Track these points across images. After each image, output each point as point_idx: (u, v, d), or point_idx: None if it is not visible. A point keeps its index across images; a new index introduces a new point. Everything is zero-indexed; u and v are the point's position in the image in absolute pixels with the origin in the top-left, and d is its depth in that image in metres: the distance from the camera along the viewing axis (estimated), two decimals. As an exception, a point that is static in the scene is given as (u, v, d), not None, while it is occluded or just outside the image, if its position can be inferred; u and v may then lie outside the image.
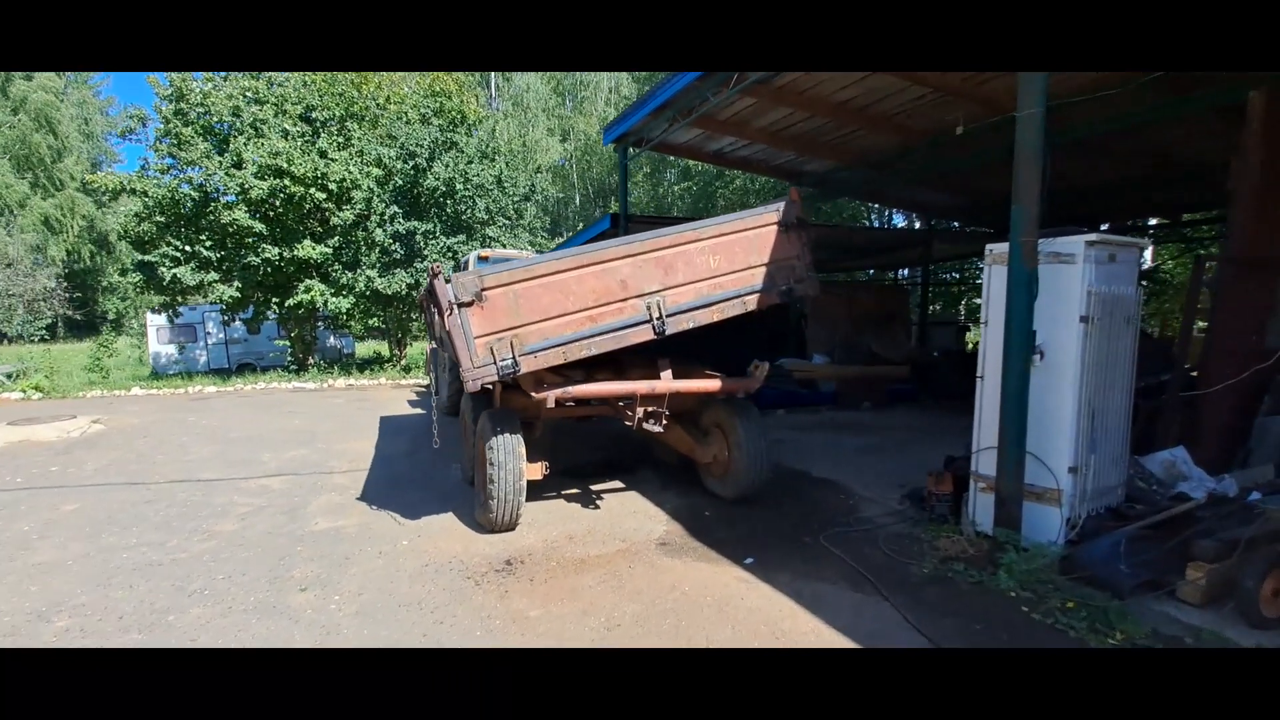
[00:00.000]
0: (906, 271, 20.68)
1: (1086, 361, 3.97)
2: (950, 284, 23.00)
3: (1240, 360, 4.92)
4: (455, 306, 3.99)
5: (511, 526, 4.74)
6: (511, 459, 4.54)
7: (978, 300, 22.23)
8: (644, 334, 4.49)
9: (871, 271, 20.65)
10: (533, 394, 4.49)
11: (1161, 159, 9.62)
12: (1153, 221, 16.84)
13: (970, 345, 15.96)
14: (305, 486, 5.98)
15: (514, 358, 4.15)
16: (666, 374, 5.04)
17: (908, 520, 4.95)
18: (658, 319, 4.47)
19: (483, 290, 4.04)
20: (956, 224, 16.32)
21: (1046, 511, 4.09)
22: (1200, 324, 7.10)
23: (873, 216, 28.61)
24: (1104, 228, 14.68)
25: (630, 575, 4.03)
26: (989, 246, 4.38)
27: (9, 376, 13.85)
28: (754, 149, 11.06)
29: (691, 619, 3.46)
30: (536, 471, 4.96)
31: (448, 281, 4.06)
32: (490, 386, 4.83)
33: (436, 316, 4.15)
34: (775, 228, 4.84)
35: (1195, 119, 7.53)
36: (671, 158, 26.71)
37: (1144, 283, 19.47)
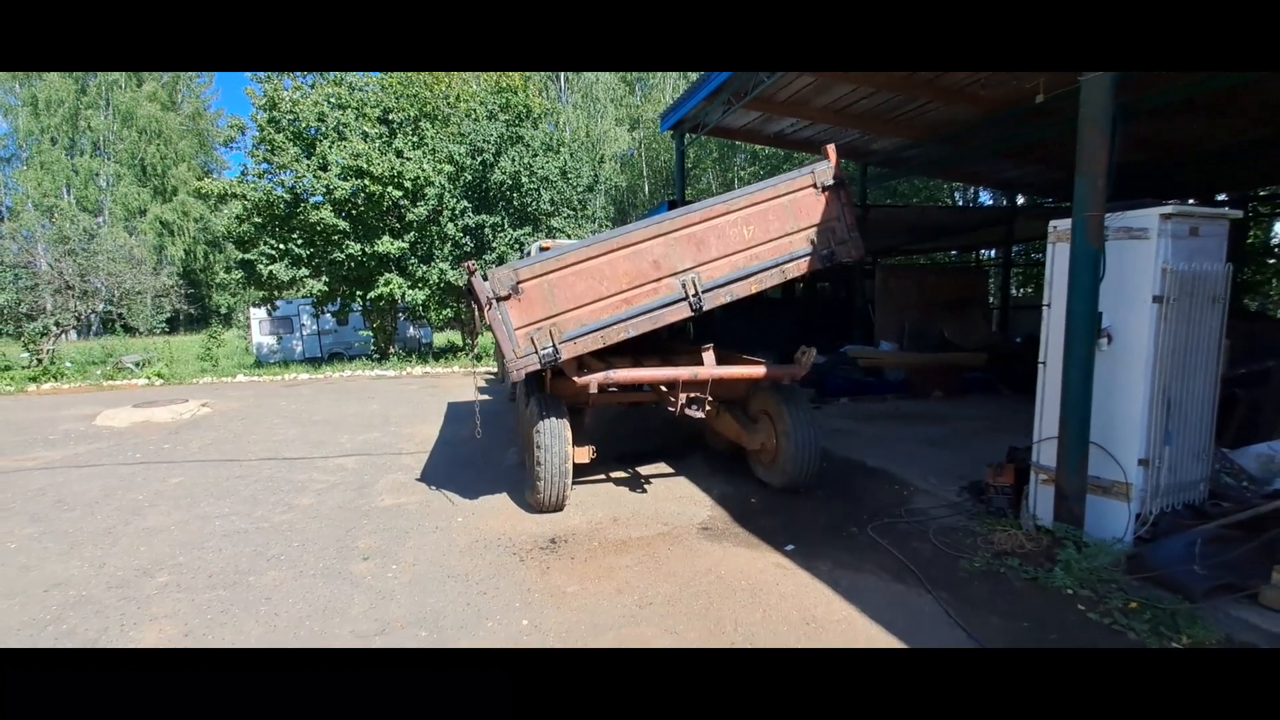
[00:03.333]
0: (993, 252, 19.44)
1: (1161, 346, 3.66)
2: (1040, 264, 21.41)
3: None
4: (494, 301, 4.16)
5: (559, 507, 4.91)
6: (558, 442, 4.70)
7: (1071, 282, 20.67)
8: (681, 312, 4.52)
9: (956, 253, 19.56)
10: (575, 379, 4.61)
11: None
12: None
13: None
14: (375, 466, 6.42)
15: (554, 345, 4.29)
16: (710, 360, 5.04)
17: (963, 513, 4.73)
18: (693, 296, 4.48)
19: (519, 283, 4.19)
20: (1051, 200, 15.17)
21: (1113, 506, 3.82)
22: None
23: (955, 194, 27.02)
24: (1221, 198, 13.24)
25: (668, 557, 4.09)
26: (1052, 223, 4.10)
27: (137, 365, 15.57)
28: (817, 129, 10.73)
29: (723, 601, 3.49)
30: (584, 455, 5.10)
31: (484, 278, 4.23)
32: (544, 373, 5.00)
33: (477, 312, 4.34)
34: (811, 190, 4.73)
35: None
36: (739, 142, 26.24)
37: (1273, 260, 17.41)
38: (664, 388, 5.14)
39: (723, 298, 4.61)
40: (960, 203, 26.30)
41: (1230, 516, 3.57)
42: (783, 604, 3.45)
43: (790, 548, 4.21)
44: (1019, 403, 9.33)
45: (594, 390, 4.67)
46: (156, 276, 17.51)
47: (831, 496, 5.25)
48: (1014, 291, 18.34)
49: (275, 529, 4.66)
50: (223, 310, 36.47)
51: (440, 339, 25.82)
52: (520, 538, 4.46)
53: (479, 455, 6.79)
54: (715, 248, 4.60)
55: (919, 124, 10.15)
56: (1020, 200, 16.05)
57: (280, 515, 4.97)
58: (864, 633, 3.16)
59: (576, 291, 4.37)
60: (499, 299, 4.21)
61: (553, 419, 4.77)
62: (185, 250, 39.76)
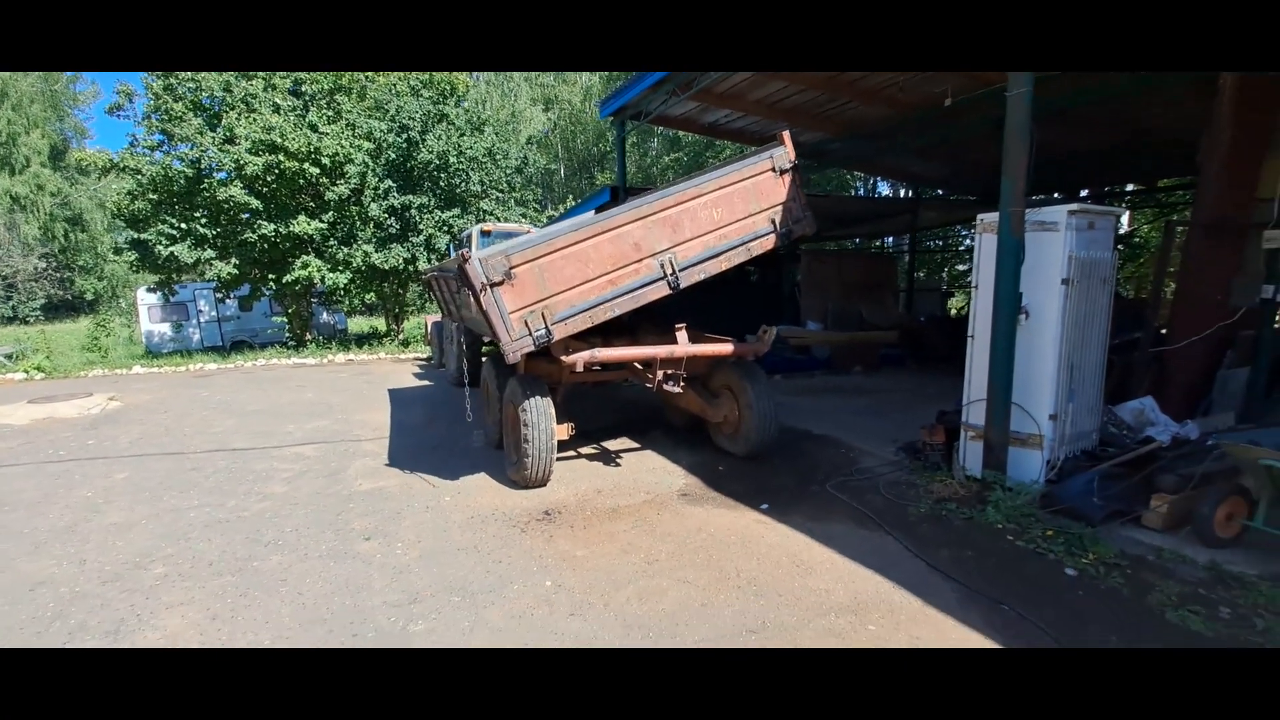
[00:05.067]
0: (892, 240, 21.13)
1: (1067, 320, 4.41)
2: (933, 251, 23.51)
3: (1205, 318, 5.39)
4: (488, 286, 4.29)
5: (544, 482, 5.13)
6: (544, 419, 4.92)
7: (960, 267, 22.86)
8: (660, 290, 4.85)
9: (859, 240, 21.09)
10: (563, 359, 4.83)
11: (1139, 129, 10.03)
12: (1130, 188, 17.38)
13: (954, 310, 16.49)
14: (338, 453, 6.32)
15: (546, 327, 4.49)
16: (684, 338, 5.41)
17: (903, 470, 5.42)
18: (671, 275, 4.83)
19: (511, 268, 4.35)
20: (940, 192, 16.71)
21: (1029, 455, 4.57)
22: (1170, 285, 7.60)
23: (859, 185, 28.93)
24: (1083, 194, 15.14)
25: (659, 520, 4.46)
26: (980, 216, 4.77)
27: (9, 358, 13.86)
28: (748, 120, 11.28)
29: (721, 554, 3.90)
30: (564, 431, 5.34)
31: (475, 261, 4.33)
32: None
33: (471, 298, 4.44)
34: (770, 174, 5.20)
35: (1171, 92, 7.91)
36: (657, 129, 26.66)
37: (1120, 247, 20.19)
38: (639, 365, 5.46)
39: (697, 275, 4.98)
40: (861, 193, 28.17)
41: (1117, 459, 4.40)
42: (772, 552, 3.91)
43: (765, 506, 4.70)
44: (926, 376, 10.46)
45: (579, 369, 4.91)
46: (25, 259, 15.55)
47: (788, 461, 5.80)
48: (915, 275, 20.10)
49: (258, 517, 4.59)
50: (89, 296, 32.67)
51: (355, 325, 24.66)
52: (514, 511, 4.66)
53: (443, 439, 6.83)
54: (689, 229, 4.96)
55: (840, 120, 10.96)
56: (919, 191, 17.59)
57: (257, 504, 4.87)
58: (845, 569, 3.67)
59: (566, 274, 4.58)
60: (493, 284, 4.34)
61: (537, 397, 4.97)
62: (41, 228, 35.08)
